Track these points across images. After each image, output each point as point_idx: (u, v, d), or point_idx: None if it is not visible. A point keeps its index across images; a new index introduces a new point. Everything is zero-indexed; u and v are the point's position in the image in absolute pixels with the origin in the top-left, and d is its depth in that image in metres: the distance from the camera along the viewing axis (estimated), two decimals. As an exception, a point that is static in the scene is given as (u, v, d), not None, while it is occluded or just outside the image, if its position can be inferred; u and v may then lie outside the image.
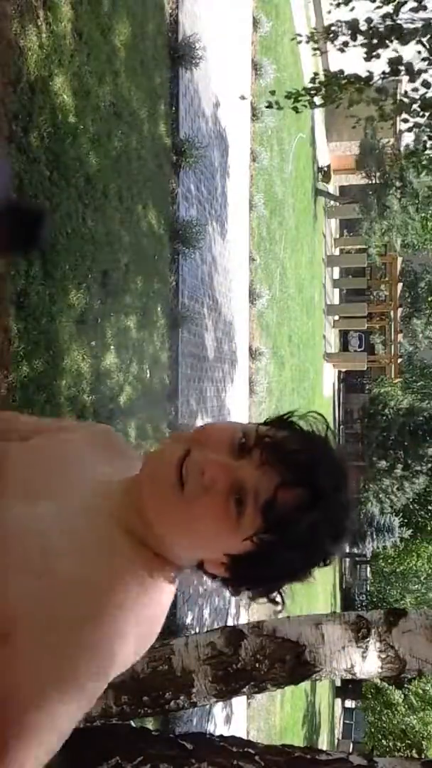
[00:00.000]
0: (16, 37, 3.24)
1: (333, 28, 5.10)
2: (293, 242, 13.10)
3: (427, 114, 5.02)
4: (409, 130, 5.42)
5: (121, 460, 1.07)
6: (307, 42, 5.78)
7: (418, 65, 4.78)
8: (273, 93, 5.84)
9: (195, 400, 6.53)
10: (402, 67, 4.77)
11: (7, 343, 3.14)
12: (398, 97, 5.13)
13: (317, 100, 5.51)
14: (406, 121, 5.18)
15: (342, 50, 5.03)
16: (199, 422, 6.65)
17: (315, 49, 5.79)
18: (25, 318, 3.24)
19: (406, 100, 4.99)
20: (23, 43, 3.29)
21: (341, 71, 5.16)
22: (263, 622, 2.50)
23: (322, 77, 5.34)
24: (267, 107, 5.77)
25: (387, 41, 4.70)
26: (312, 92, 5.41)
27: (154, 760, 2.70)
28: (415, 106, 4.98)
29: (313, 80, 5.45)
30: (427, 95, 4.90)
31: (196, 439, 0.91)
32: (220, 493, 0.86)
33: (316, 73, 5.57)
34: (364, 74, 4.99)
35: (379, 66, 4.92)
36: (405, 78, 4.92)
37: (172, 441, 0.93)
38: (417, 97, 4.97)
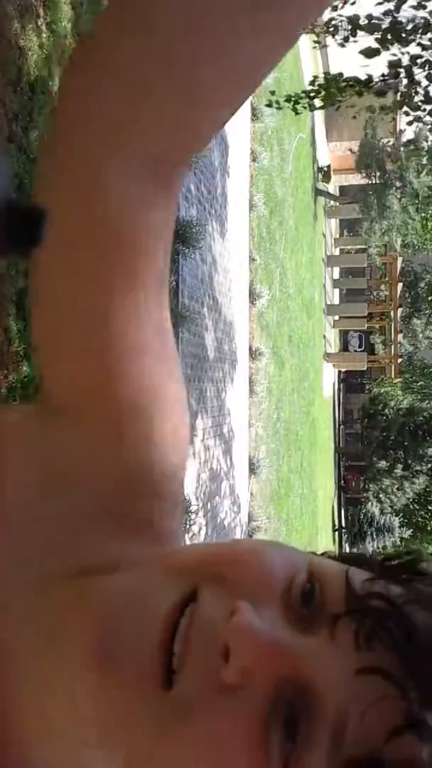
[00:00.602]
0: (16, 36, 3.24)
1: (333, 22, 5.11)
2: (293, 242, 13.10)
3: (428, 108, 5.02)
4: (410, 123, 5.42)
5: (141, 531, 0.52)
6: (308, 33, 5.78)
7: (419, 63, 4.78)
8: (273, 93, 5.85)
9: (195, 400, 6.52)
10: (402, 69, 4.78)
11: (7, 343, 3.14)
12: (400, 90, 5.14)
13: (317, 102, 5.52)
14: (407, 114, 5.18)
15: (342, 45, 5.04)
16: (199, 423, 6.64)
17: (315, 42, 5.81)
18: (24, 318, 3.24)
19: (409, 91, 4.98)
20: (23, 42, 3.29)
21: (340, 74, 5.17)
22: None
23: (321, 80, 5.35)
24: (267, 106, 5.78)
25: (388, 43, 4.70)
26: (311, 95, 5.43)
27: (155, 760, 2.69)
28: (416, 99, 4.99)
29: (312, 83, 5.46)
30: (430, 88, 4.90)
31: (213, 570, 0.42)
32: (257, 704, 0.38)
33: (315, 76, 5.58)
34: (363, 75, 4.99)
35: (378, 68, 4.92)
36: (405, 80, 4.92)
37: (161, 570, 0.44)
38: (420, 90, 4.97)
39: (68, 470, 0.51)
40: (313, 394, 16.16)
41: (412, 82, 4.78)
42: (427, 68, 4.77)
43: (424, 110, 5.02)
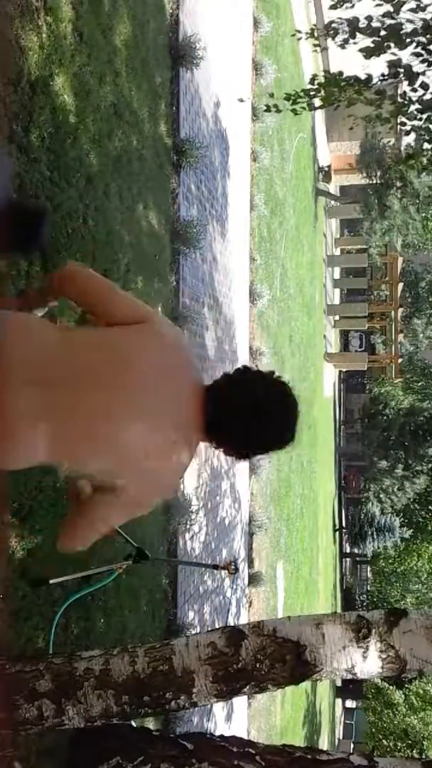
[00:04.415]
0: (17, 37, 3.24)
1: (333, 24, 5.10)
2: (294, 242, 13.09)
3: (425, 117, 5.01)
4: (407, 133, 5.42)
5: None
6: (307, 38, 5.77)
7: (417, 67, 4.78)
8: (272, 95, 5.84)
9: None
10: (401, 70, 4.77)
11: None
12: (397, 98, 5.13)
13: (316, 102, 5.50)
14: (403, 124, 5.17)
15: (343, 47, 5.03)
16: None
17: (315, 45, 5.79)
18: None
19: (404, 100, 4.98)
20: (24, 43, 3.29)
21: (340, 73, 5.16)
22: (264, 622, 2.50)
23: (321, 79, 5.33)
24: (266, 110, 5.76)
25: (386, 45, 4.69)
26: (311, 94, 5.41)
27: (155, 760, 2.70)
28: (412, 108, 4.98)
29: (311, 81, 5.44)
30: (425, 97, 4.89)
31: None
32: None
33: (315, 75, 5.56)
34: (363, 74, 4.98)
35: (378, 68, 4.92)
36: (405, 81, 4.92)
37: None
38: (415, 99, 4.96)
39: None
40: (314, 394, 16.16)
41: (411, 82, 4.77)
42: (427, 68, 4.77)
43: (420, 119, 5.01)
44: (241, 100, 7.60)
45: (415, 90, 4.85)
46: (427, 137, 5.37)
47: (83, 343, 1.62)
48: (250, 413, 1.61)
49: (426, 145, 5.81)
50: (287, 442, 1.66)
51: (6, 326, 1.53)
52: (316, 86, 5.35)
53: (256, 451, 1.69)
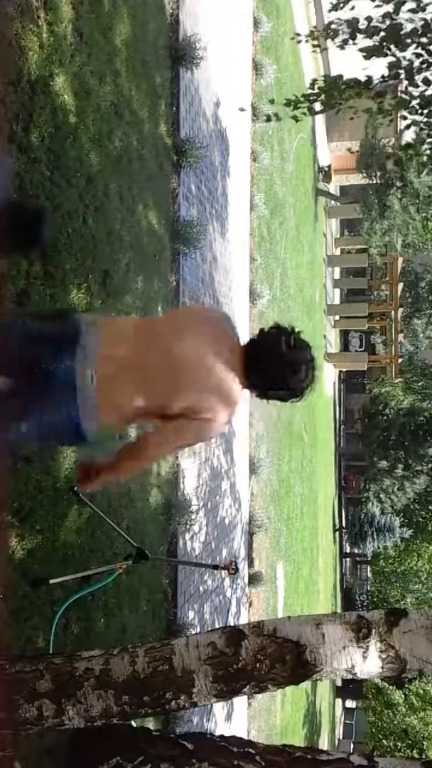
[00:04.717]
0: (17, 37, 3.24)
1: (333, 26, 5.10)
2: (294, 242, 13.09)
3: (426, 112, 5.01)
4: (407, 127, 5.41)
5: None
6: (307, 41, 5.77)
7: (417, 65, 4.78)
8: (272, 102, 5.83)
9: (196, 400, 6.51)
10: (401, 71, 4.77)
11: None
12: (398, 93, 5.12)
13: (317, 106, 5.49)
14: (404, 118, 5.17)
15: (342, 47, 5.03)
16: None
17: (315, 46, 5.78)
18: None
19: (405, 96, 4.98)
20: (24, 43, 3.29)
21: (340, 76, 5.15)
22: (264, 622, 2.50)
23: (321, 83, 5.33)
24: (266, 121, 5.76)
25: (386, 48, 4.69)
26: (311, 98, 5.40)
27: (155, 760, 2.70)
28: (414, 103, 4.97)
29: (311, 86, 5.43)
30: (427, 93, 4.89)
31: None
32: None
33: (315, 80, 5.55)
34: (363, 76, 4.98)
35: (378, 69, 4.92)
36: (405, 81, 4.92)
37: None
38: (416, 94, 4.96)
39: None
40: (314, 393, 16.14)
41: (412, 83, 4.77)
42: (426, 68, 4.77)
43: (422, 113, 5.01)
44: (242, 109, 7.58)
45: (416, 86, 4.84)
46: (427, 131, 5.35)
47: (148, 328, 2.26)
48: (275, 355, 2.18)
49: (427, 139, 5.80)
50: (306, 380, 2.21)
51: (100, 325, 2.13)
52: (316, 90, 5.34)
53: (282, 388, 2.21)
